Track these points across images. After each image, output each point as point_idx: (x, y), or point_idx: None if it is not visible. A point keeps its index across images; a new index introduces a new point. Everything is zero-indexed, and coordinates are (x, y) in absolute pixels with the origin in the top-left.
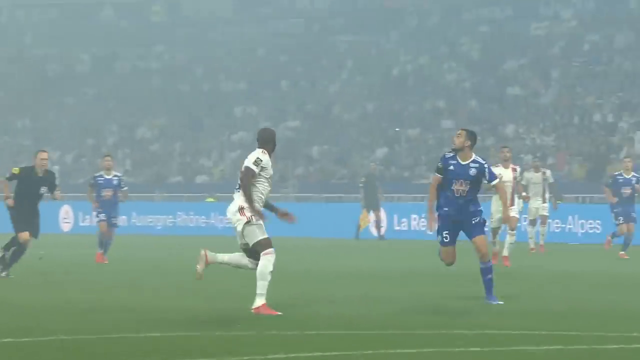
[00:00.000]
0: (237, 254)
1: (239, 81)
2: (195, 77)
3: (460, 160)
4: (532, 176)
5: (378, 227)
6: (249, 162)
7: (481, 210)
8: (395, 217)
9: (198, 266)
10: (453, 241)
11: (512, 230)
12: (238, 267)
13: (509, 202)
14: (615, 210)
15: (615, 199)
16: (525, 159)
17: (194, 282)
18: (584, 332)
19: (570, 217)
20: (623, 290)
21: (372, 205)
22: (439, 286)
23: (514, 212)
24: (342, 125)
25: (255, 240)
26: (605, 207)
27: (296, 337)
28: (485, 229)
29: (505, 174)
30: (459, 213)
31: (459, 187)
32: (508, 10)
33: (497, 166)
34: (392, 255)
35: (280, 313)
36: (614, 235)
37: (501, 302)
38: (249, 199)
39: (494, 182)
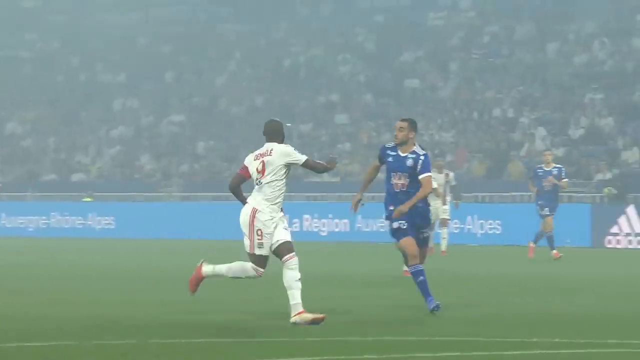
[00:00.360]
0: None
1: (118, 72)
2: (70, 67)
3: (400, 152)
4: (435, 176)
5: None
6: (296, 154)
7: (429, 216)
8: (287, 218)
9: (311, 316)
10: (413, 232)
11: (445, 227)
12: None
13: (442, 200)
14: (539, 202)
15: (533, 190)
16: None
17: (67, 286)
18: (487, 337)
19: (469, 217)
20: (528, 292)
21: None
22: (345, 289)
23: (446, 214)
24: (230, 119)
25: (281, 243)
26: (505, 206)
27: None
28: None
29: (437, 177)
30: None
31: (398, 181)
32: (405, 0)
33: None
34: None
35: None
36: (537, 238)
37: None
38: (325, 166)
39: (422, 176)
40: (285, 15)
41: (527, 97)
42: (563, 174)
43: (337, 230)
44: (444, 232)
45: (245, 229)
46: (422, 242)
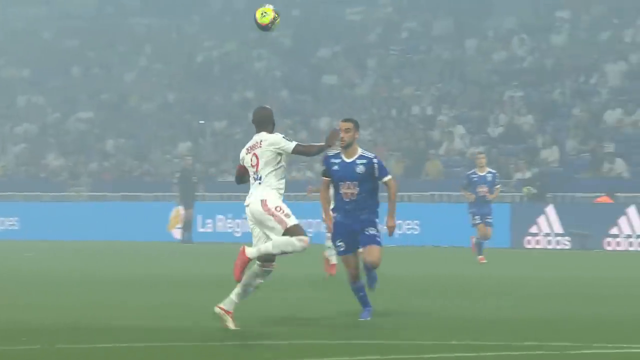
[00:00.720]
0: (245, 277)
1: (21, 67)
2: None
3: (344, 158)
4: None
5: (189, 227)
6: (284, 142)
7: (376, 221)
8: (200, 218)
9: (227, 325)
10: (351, 249)
11: None
12: (254, 287)
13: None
14: (471, 210)
15: (474, 196)
16: None
17: None
18: (405, 340)
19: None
20: (449, 295)
21: (187, 203)
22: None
23: None
24: (141, 116)
25: (290, 225)
26: (424, 206)
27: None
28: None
29: None
30: (352, 221)
31: (347, 190)
32: None
33: None
34: (206, 259)
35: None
36: (477, 240)
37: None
38: (320, 146)
39: (386, 179)
40: (197, 9)
41: (445, 94)
42: (496, 179)
43: (206, 231)
44: None
45: (262, 217)
46: (368, 240)
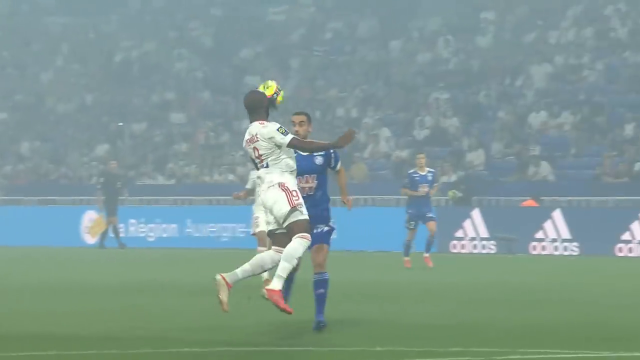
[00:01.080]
0: (257, 257)
1: None
2: None
3: (301, 152)
4: None
5: (116, 233)
6: (279, 136)
7: (330, 217)
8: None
9: (220, 296)
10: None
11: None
12: (264, 269)
13: None
14: (409, 212)
15: (419, 194)
16: None
17: None
18: (323, 347)
19: None
20: (375, 300)
21: (110, 209)
22: (165, 298)
23: None
24: (57, 118)
25: (296, 219)
26: (344, 209)
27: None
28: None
29: None
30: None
31: (305, 185)
32: None
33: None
34: (120, 265)
35: (291, 310)
36: (427, 246)
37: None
38: (326, 144)
39: (339, 167)
40: (115, 7)
41: (370, 96)
42: (436, 178)
43: (165, 235)
44: None
45: (276, 196)
46: (324, 237)
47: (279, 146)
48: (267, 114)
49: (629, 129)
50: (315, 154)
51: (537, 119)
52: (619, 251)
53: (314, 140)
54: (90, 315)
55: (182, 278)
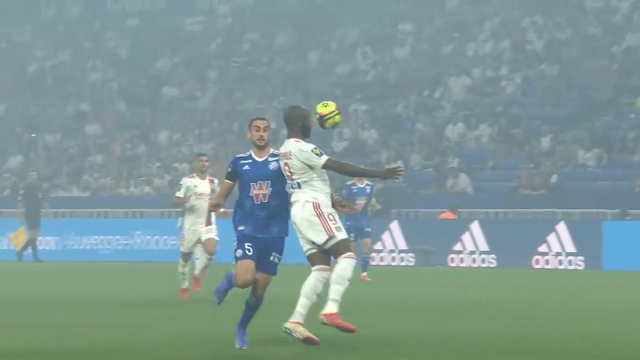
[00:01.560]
0: (306, 286)
1: None
2: None
3: (256, 158)
4: (198, 183)
5: (34, 246)
6: (314, 158)
7: (284, 243)
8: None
9: (304, 335)
10: (255, 255)
11: (211, 255)
12: (318, 294)
13: (205, 222)
14: (347, 224)
15: (357, 208)
16: (181, 168)
17: None
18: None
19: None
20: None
21: (32, 221)
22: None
23: (213, 234)
24: None
25: (338, 240)
26: None
27: None
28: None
29: (201, 185)
30: (263, 234)
31: (259, 191)
32: (160, 3)
33: (191, 177)
34: (34, 278)
35: (354, 328)
36: (364, 257)
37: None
38: (367, 171)
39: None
40: (29, 17)
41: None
42: (374, 190)
43: (47, 248)
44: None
45: (310, 218)
46: (271, 268)
47: (312, 167)
48: (306, 133)
49: (545, 142)
50: (268, 159)
51: (454, 131)
52: (536, 263)
53: (352, 164)
54: (8, 329)
55: (96, 292)
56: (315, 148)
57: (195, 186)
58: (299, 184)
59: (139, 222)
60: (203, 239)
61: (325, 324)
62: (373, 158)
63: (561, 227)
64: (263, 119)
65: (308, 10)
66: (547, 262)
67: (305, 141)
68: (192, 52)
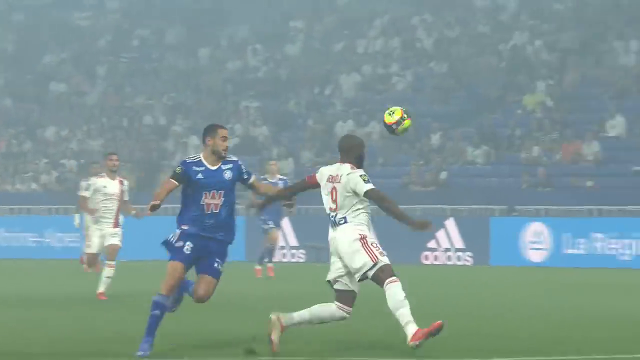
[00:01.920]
0: (318, 308)
1: None
2: None
3: (209, 166)
4: (108, 184)
5: None
6: (361, 184)
7: (227, 252)
8: None
9: (272, 336)
10: (192, 257)
11: (112, 261)
12: (321, 322)
13: (113, 223)
14: (262, 217)
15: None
16: (69, 164)
17: None
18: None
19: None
20: (245, 312)
21: None
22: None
23: (117, 239)
24: None
25: (381, 266)
26: (153, 219)
27: None
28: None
29: (110, 186)
30: (210, 235)
31: (211, 201)
32: None
33: (101, 176)
34: None
35: (440, 322)
36: (261, 257)
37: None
38: (403, 215)
39: (252, 180)
40: None
41: (179, 104)
42: (287, 185)
43: None
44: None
45: (354, 247)
46: (215, 272)
47: (357, 194)
48: (360, 162)
49: (435, 139)
50: (221, 168)
51: (344, 128)
52: (425, 259)
53: (394, 202)
54: None
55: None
56: (364, 174)
57: (104, 186)
58: (346, 219)
59: (25, 219)
60: (106, 243)
61: (418, 345)
62: (264, 154)
63: (450, 223)
64: (223, 128)
65: (198, 6)
66: (435, 257)
67: (359, 168)
68: (81, 48)
